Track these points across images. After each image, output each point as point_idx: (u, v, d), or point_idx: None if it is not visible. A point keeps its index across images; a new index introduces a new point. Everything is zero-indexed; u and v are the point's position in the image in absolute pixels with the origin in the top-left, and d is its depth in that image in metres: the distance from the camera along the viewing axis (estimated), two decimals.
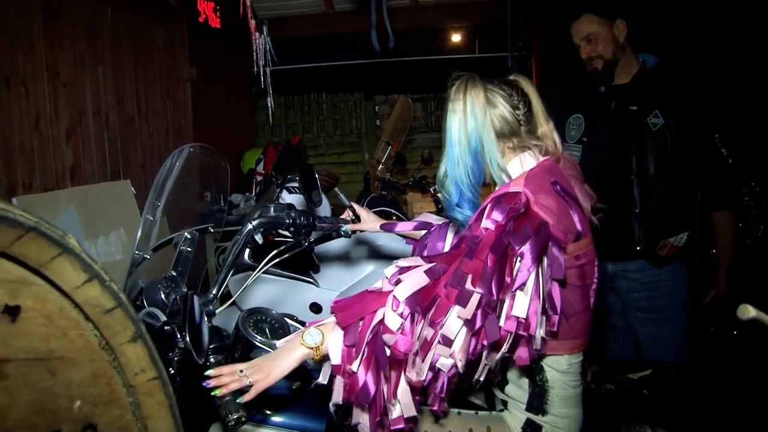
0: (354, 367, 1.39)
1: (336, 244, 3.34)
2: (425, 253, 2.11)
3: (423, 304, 1.36)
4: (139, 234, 1.97)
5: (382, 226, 2.25)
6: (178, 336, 1.61)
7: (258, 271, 1.94)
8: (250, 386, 1.41)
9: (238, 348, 1.86)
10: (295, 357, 1.46)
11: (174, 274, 1.99)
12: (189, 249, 2.09)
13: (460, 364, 1.36)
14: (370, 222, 2.25)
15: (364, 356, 1.39)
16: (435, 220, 2.20)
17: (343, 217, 2.27)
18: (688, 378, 2.18)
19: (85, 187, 3.73)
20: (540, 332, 1.42)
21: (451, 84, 1.72)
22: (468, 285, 1.34)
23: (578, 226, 1.58)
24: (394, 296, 1.38)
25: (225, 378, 1.42)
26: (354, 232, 2.25)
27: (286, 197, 3.55)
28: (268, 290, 3.21)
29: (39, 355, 0.87)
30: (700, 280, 2.77)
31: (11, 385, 0.84)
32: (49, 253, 0.83)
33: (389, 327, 1.36)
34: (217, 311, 1.70)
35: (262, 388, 1.43)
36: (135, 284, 1.98)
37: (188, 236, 2.11)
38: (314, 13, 7.16)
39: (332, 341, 1.44)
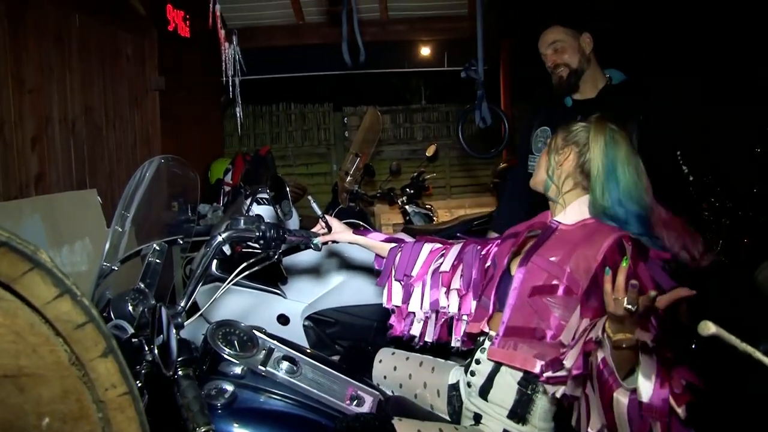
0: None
1: (304, 256, 3.34)
2: (396, 264, 2.16)
3: None
4: (107, 245, 1.95)
5: (355, 233, 2.26)
6: (146, 349, 1.59)
7: (227, 284, 1.93)
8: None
9: (207, 360, 1.86)
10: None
11: (142, 286, 1.97)
12: (158, 261, 2.07)
13: None
14: (341, 233, 2.25)
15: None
16: (407, 238, 2.23)
17: (314, 229, 2.27)
18: None
19: (50, 196, 3.68)
20: None
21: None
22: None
23: None
24: None
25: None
26: (325, 243, 2.25)
27: (255, 209, 3.55)
28: (235, 302, 3.19)
29: (8, 372, 0.86)
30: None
31: None
32: (20, 268, 0.82)
33: None
34: (185, 323, 1.70)
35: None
36: (102, 296, 1.95)
37: (157, 248, 2.09)
38: (284, 24, 7.18)
39: None
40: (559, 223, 1.87)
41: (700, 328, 1.00)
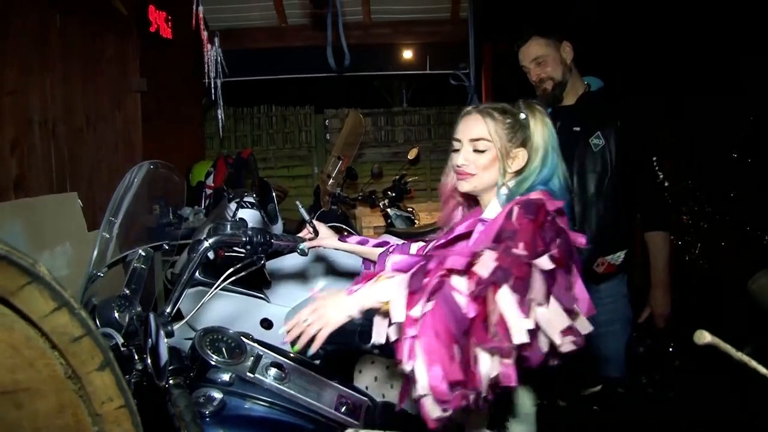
0: (415, 312, 1.34)
1: (287, 260, 3.32)
2: (387, 269, 2.10)
3: (502, 273, 1.35)
4: (95, 252, 1.93)
5: (340, 239, 2.25)
6: (136, 358, 1.58)
7: (213, 290, 1.92)
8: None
9: (194, 368, 1.84)
10: (363, 304, 1.46)
11: (127, 292, 1.95)
12: (143, 266, 2.06)
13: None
14: (327, 237, 2.25)
15: (430, 309, 1.34)
16: (394, 240, 2.23)
17: (301, 234, 2.26)
18: (636, 392, 2.26)
19: (30, 200, 3.62)
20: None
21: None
22: (522, 254, 1.39)
23: None
24: (473, 269, 1.38)
25: (294, 332, 1.48)
26: (312, 248, 2.24)
27: (240, 212, 3.53)
28: (218, 306, 3.17)
29: (5, 388, 0.85)
30: (641, 298, 2.84)
31: None
32: (18, 281, 0.81)
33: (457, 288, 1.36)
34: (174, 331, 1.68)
35: (327, 333, 1.45)
36: (88, 302, 1.93)
37: (143, 253, 2.08)
38: (267, 26, 7.17)
39: (395, 296, 1.39)
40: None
41: (695, 337, 1.02)
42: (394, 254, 2.12)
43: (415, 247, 2.13)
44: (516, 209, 1.53)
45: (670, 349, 3.39)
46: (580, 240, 1.57)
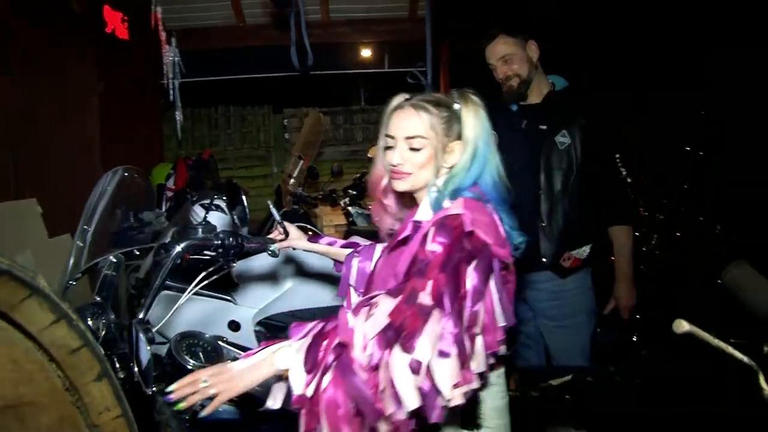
0: (309, 392, 1.34)
1: (253, 261, 3.31)
2: (353, 273, 2.10)
3: (389, 331, 1.34)
4: (71, 261, 1.91)
5: (310, 240, 2.24)
6: (118, 366, 1.57)
7: (186, 295, 1.91)
8: (211, 398, 1.35)
9: (172, 373, 1.84)
10: (264, 373, 1.39)
11: (99, 299, 1.93)
12: (114, 273, 2.04)
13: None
14: (297, 238, 2.22)
15: (328, 381, 1.34)
16: (362, 241, 2.23)
17: (272, 235, 2.26)
18: (604, 381, 2.33)
19: None
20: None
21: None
22: (424, 300, 1.35)
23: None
24: (364, 334, 1.35)
25: (187, 389, 1.34)
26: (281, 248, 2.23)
27: (201, 214, 3.50)
28: (185, 310, 3.11)
29: (9, 402, 0.85)
30: (604, 290, 2.91)
31: None
32: (19, 295, 0.81)
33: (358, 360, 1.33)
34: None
35: (224, 400, 1.36)
36: None
37: (113, 260, 2.06)
38: (224, 26, 7.11)
39: (294, 367, 1.37)
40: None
41: (674, 326, 1.07)
42: (359, 257, 2.10)
43: (380, 248, 2.13)
44: (432, 232, 1.49)
45: (634, 339, 3.48)
46: (502, 253, 1.52)
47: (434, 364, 1.33)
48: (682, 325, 1.06)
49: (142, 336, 1.51)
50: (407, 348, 1.31)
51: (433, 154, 1.66)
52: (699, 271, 3.77)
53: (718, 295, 2.93)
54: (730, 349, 1.05)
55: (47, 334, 0.85)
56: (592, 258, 2.79)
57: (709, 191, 4.50)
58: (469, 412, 1.72)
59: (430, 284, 1.38)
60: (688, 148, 4.70)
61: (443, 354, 1.35)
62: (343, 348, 1.35)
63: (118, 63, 5.63)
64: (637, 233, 4.54)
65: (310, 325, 1.46)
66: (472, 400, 1.69)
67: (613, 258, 2.87)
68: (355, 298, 2.09)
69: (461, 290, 1.40)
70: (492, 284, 1.48)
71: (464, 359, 1.38)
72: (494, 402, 1.75)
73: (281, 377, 1.41)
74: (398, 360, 1.32)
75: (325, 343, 1.38)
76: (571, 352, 2.82)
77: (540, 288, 2.79)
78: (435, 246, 1.45)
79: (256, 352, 1.44)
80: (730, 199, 4.40)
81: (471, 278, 1.42)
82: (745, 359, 1.05)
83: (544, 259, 2.72)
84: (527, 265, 2.72)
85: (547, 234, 2.72)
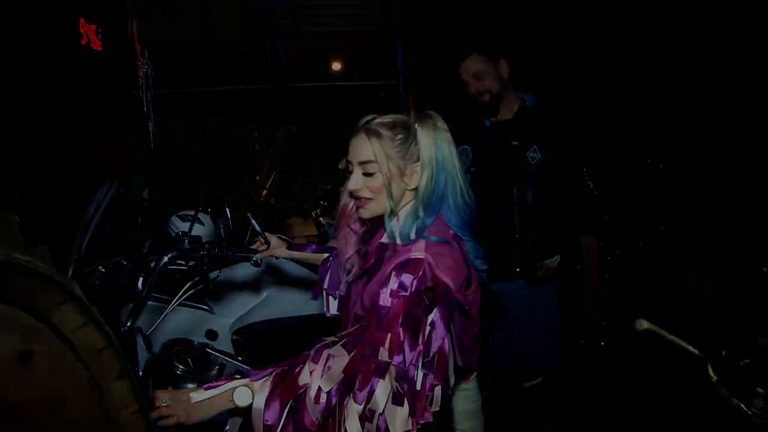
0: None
1: (231, 270, 3.35)
2: (326, 277, 2.16)
3: (345, 383, 1.42)
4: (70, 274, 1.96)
5: (289, 248, 2.32)
6: None
7: (173, 305, 1.98)
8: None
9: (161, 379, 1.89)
10: (219, 409, 1.49)
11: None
12: (100, 283, 2.08)
13: None
14: (278, 247, 2.30)
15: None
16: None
17: (254, 246, 2.32)
18: (573, 382, 2.45)
19: None
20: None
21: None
22: (382, 356, 1.41)
23: (469, 274, 1.66)
24: (319, 387, 1.43)
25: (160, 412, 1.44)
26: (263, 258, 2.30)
27: (182, 225, 3.55)
28: (165, 319, 3.18)
29: (44, 396, 0.92)
30: (574, 297, 3.03)
31: (25, 429, 0.89)
32: (57, 299, 0.89)
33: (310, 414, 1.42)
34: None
35: (176, 423, 1.45)
36: None
37: (103, 270, 2.11)
38: (197, 39, 7.11)
39: (255, 412, 1.45)
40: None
41: (636, 324, 1.20)
42: (333, 263, 2.16)
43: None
44: (393, 277, 1.49)
45: (602, 343, 3.61)
46: (461, 297, 1.54)
47: (388, 413, 1.41)
48: (642, 324, 1.19)
49: (141, 342, 1.58)
50: (359, 400, 1.40)
51: (389, 179, 1.62)
52: (659, 276, 3.92)
53: (676, 297, 3.06)
54: (683, 344, 1.18)
55: (78, 336, 0.93)
56: (562, 267, 2.91)
57: (667, 201, 4.66)
58: (442, 415, 1.74)
59: (388, 339, 1.42)
60: (649, 161, 4.86)
61: (397, 402, 1.42)
62: (298, 400, 1.45)
63: (92, 75, 5.64)
64: (601, 242, 4.69)
65: (269, 369, 1.53)
66: (444, 407, 1.71)
67: (581, 266, 2.98)
68: (332, 303, 2.15)
69: (419, 346, 1.43)
70: (451, 327, 1.53)
71: (419, 407, 1.44)
72: (465, 406, 1.83)
73: (238, 410, 1.49)
74: (351, 410, 1.41)
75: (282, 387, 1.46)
76: (543, 356, 2.91)
77: (514, 296, 2.88)
78: (395, 297, 1.47)
79: (216, 386, 1.51)
80: (688, 207, 4.57)
81: (429, 328, 1.46)
82: (696, 352, 1.18)
83: (518, 269, 2.84)
84: (502, 274, 2.81)
85: (520, 245, 2.82)
